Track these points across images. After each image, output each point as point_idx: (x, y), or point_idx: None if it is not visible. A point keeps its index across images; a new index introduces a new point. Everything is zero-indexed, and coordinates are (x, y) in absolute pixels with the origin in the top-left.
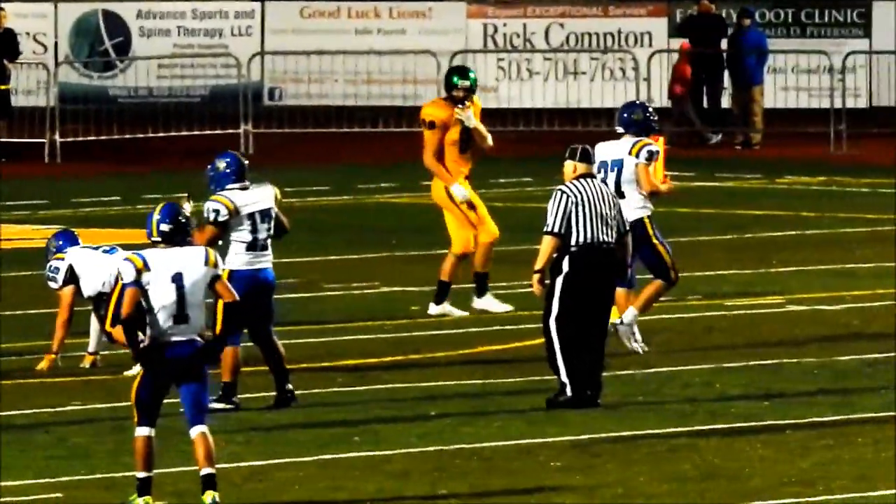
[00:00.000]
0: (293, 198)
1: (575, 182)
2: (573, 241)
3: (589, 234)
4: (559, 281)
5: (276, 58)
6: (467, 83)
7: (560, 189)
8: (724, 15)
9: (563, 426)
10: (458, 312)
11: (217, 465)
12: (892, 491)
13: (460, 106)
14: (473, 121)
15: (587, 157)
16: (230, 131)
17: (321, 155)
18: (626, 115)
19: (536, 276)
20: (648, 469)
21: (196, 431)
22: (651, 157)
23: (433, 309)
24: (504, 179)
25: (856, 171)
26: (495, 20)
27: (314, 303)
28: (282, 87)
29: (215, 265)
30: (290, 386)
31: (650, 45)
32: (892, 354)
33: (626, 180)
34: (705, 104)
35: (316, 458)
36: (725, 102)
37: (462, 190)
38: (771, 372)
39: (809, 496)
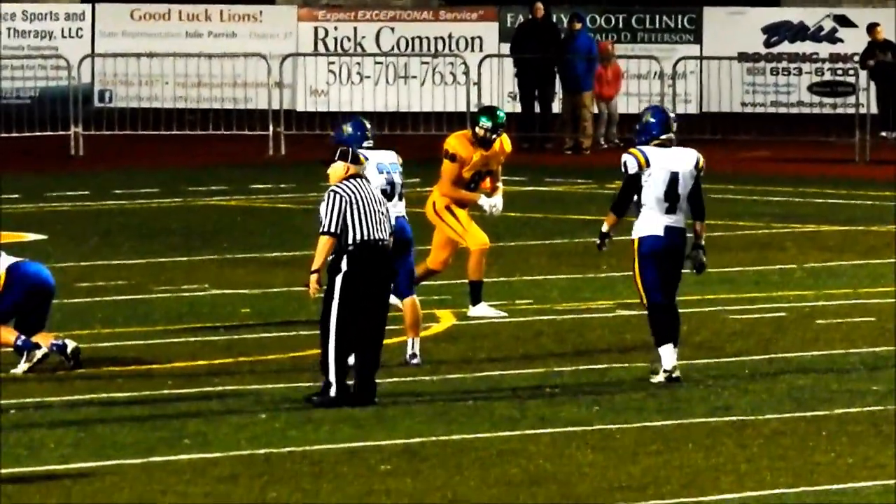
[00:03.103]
0: (122, 200)
1: (346, 182)
2: (350, 240)
3: (365, 233)
4: (338, 280)
5: (106, 60)
6: (489, 124)
7: (332, 190)
8: (555, 20)
9: (392, 430)
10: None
11: (47, 467)
12: (723, 496)
13: (490, 206)
14: (496, 211)
15: (357, 159)
16: (60, 133)
17: (151, 157)
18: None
19: (314, 277)
20: (477, 474)
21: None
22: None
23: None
24: None
25: None
26: (326, 23)
27: (143, 305)
28: (112, 90)
29: None
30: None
31: (481, 49)
32: (720, 360)
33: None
34: (536, 109)
35: (144, 460)
36: (556, 108)
37: (486, 199)
38: (600, 377)
39: (639, 501)
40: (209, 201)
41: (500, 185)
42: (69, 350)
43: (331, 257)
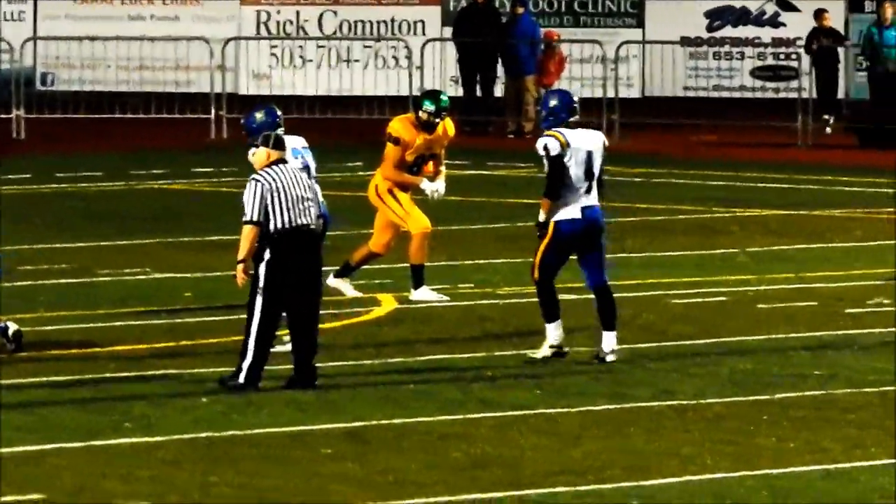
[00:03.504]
0: (65, 183)
1: (268, 169)
2: (273, 228)
3: (288, 220)
4: (262, 269)
5: (48, 43)
6: (432, 108)
7: (254, 178)
8: (497, 4)
9: (335, 413)
10: (352, 292)
11: None
12: (666, 480)
13: (432, 191)
14: (438, 195)
15: (280, 145)
16: (2, 116)
17: (93, 141)
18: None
19: (241, 267)
20: (420, 457)
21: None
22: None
23: (331, 280)
24: None
25: (628, 160)
26: (269, 7)
27: (86, 288)
28: (54, 73)
29: None
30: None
31: (423, 33)
32: (663, 344)
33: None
34: (479, 93)
35: (87, 444)
36: (498, 91)
37: (429, 183)
38: (542, 360)
39: (581, 485)
40: (152, 185)
41: (442, 168)
42: (10, 333)
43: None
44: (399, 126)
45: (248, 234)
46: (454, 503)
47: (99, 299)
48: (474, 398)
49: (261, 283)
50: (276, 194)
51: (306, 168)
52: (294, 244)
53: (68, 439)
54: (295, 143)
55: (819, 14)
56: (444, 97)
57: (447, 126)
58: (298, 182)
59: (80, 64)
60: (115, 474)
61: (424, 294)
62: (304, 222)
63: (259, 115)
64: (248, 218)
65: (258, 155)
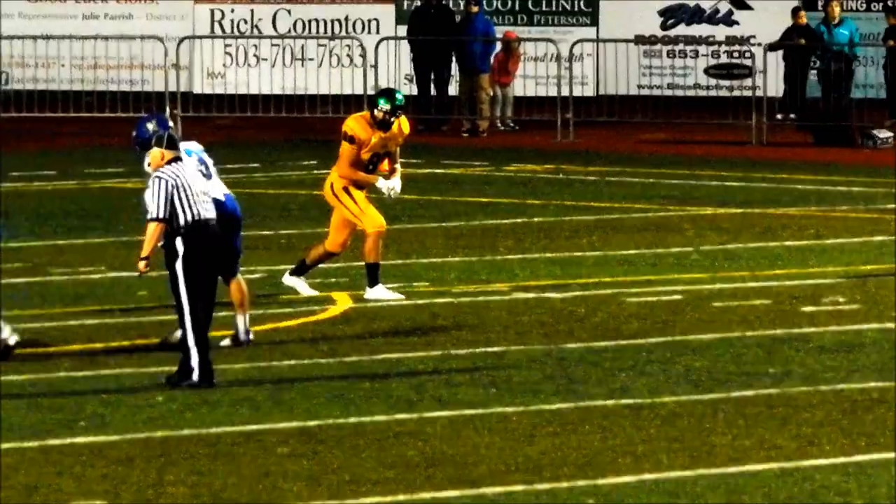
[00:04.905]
0: (18, 182)
1: (168, 167)
2: (182, 223)
3: (196, 213)
4: (179, 265)
5: (2, 42)
6: (387, 107)
7: (157, 176)
8: (451, 3)
9: (289, 412)
10: (307, 291)
11: None
12: (620, 478)
13: (388, 189)
14: (394, 194)
15: (174, 143)
16: None
17: (47, 139)
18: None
19: (143, 263)
20: (374, 455)
21: None
22: None
23: (287, 279)
24: (230, 165)
25: (583, 158)
26: (223, 6)
27: (40, 287)
28: (8, 72)
29: None
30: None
31: (378, 32)
32: (617, 342)
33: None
34: (433, 91)
35: (41, 443)
36: (453, 90)
37: (385, 182)
38: (496, 359)
39: (536, 483)
40: (106, 183)
41: (398, 167)
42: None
43: (161, 243)
44: (354, 124)
45: (153, 232)
46: (408, 502)
47: (53, 298)
48: (428, 397)
49: (181, 280)
50: (180, 190)
51: (204, 163)
52: (202, 238)
53: (21, 438)
54: (188, 146)
55: (795, 12)
56: (399, 95)
57: (402, 124)
58: (197, 178)
59: (34, 63)
60: (69, 473)
61: (380, 293)
62: (208, 217)
63: (150, 126)
64: (154, 215)
65: (153, 155)
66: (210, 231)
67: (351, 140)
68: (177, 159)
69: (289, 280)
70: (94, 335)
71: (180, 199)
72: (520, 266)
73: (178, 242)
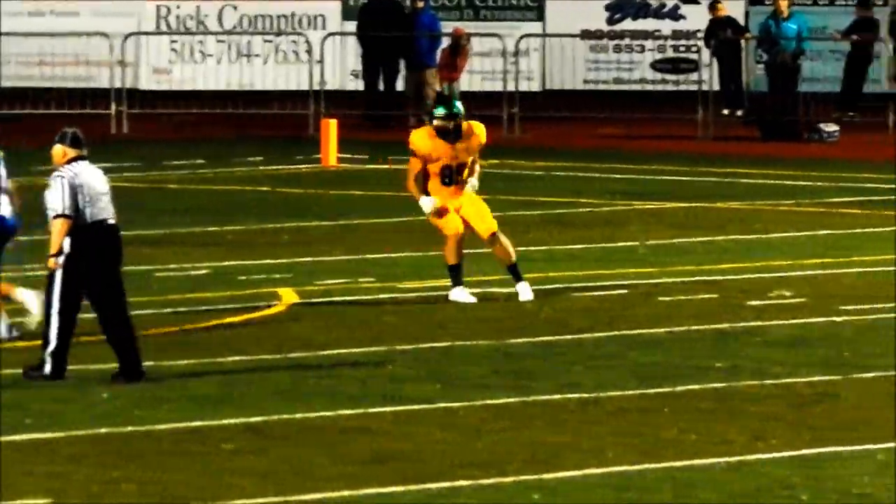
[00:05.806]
0: None
1: (69, 166)
2: (77, 222)
3: (90, 214)
4: (61, 260)
5: None
6: (442, 112)
7: (59, 174)
8: None
9: (236, 408)
10: (469, 299)
11: None
12: (567, 473)
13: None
14: (471, 191)
15: (77, 142)
16: None
17: None
18: None
19: (52, 261)
20: (322, 451)
21: None
22: None
23: (453, 294)
24: (177, 161)
25: (529, 154)
26: (169, 2)
27: None
28: None
29: None
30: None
31: (324, 27)
32: (566, 337)
33: None
34: (381, 87)
35: None
36: (400, 85)
37: (427, 204)
38: (443, 354)
39: (483, 478)
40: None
41: (477, 167)
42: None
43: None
44: (415, 137)
45: (60, 228)
46: (355, 497)
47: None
48: (375, 392)
49: (59, 275)
50: (80, 189)
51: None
52: (95, 238)
53: None
54: None
55: (713, 5)
56: (455, 102)
57: (476, 129)
58: (99, 179)
59: None
60: (16, 471)
61: (456, 294)
62: (104, 217)
63: None
64: (60, 211)
65: (55, 151)
66: (103, 232)
67: (413, 153)
68: (81, 158)
69: (455, 295)
70: (40, 332)
71: (77, 198)
72: (468, 261)
73: (66, 242)
